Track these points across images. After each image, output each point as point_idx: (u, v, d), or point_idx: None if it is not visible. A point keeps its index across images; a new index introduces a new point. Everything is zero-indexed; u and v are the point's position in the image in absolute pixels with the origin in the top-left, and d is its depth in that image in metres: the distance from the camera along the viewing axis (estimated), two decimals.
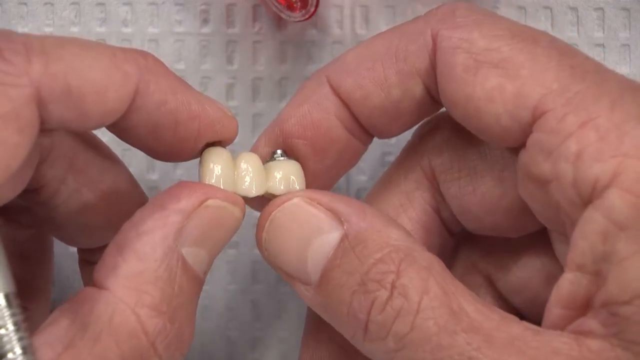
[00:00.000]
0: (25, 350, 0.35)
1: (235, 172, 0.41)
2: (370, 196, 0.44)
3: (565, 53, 0.38)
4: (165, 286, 0.37)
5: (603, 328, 0.35)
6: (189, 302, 0.38)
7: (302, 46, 0.50)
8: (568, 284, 0.36)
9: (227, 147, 0.41)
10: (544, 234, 0.41)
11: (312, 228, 0.39)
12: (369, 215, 0.39)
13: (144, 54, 0.39)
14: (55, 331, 0.36)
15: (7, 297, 0.35)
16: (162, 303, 0.36)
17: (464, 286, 0.37)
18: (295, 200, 0.40)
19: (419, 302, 0.36)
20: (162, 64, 0.39)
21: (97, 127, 0.38)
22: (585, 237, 0.36)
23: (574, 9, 0.50)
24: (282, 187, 0.41)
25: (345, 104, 0.41)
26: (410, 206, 0.43)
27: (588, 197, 0.36)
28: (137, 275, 0.36)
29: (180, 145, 0.40)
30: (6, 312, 0.35)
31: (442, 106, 0.41)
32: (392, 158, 0.45)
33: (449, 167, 0.42)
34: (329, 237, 0.39)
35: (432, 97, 0.41)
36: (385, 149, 0.50)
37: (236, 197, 0.40)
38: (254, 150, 0.43)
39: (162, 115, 0.39)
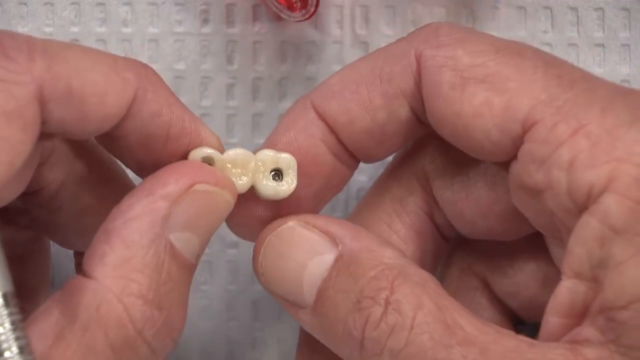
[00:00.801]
0: (22, 350, 0.35)
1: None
2: (364, 202, 0.44)
3: (551, 63, 0.38)
4: (153, 273, 0.36)
5: (600, 335, 0.35)
6: (179, 288, 0.37)
7: (302, 46, 0.50)
8: (565, 292, 0.36)
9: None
10: (539, 237, 0.40)
11: (307, 251, 0.39)
12: (363, 236, 0.39)
13: (144, 65, 0.39)
14: (46, 322, 0.36)
15: (4, 296, 0.35)
16: (149, 291, 0.36)
17: (458, 302, 0.37)
18: (290, 223, 0.40)
19: (413, 318, 0.36)
20: (160, 78, 0.39)
21: (95, 132, 0.38)
22: (582, 244, 0.35)
23: (574, 9, 0.50)
24: (271, 153, 0.40)
25: (331, 128, 0.41)
26: (404, 212, 0.42)
27: (583, 204, 0.35)
28: (124, 263, 0.36)
29: (167, 161, 0.39)
30: (4, 312, 0.35)
31: (428, 127, 0.40)
32: (392, 158, 0.45)
33: (442, 173, 0.42)
34: (324, 258, 0.39)
35: (418, 118, 0.41)
36: None
37: (226, 180, 0.39)
38: None
39: (156, 126, 0.38)
